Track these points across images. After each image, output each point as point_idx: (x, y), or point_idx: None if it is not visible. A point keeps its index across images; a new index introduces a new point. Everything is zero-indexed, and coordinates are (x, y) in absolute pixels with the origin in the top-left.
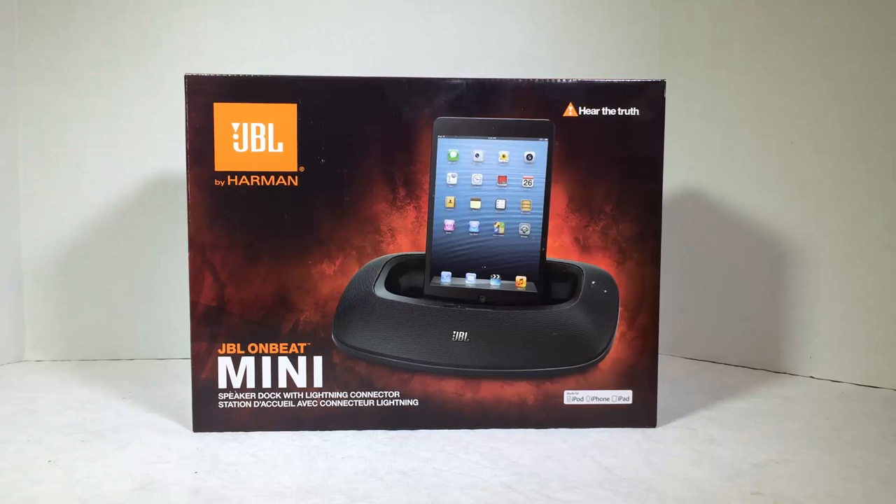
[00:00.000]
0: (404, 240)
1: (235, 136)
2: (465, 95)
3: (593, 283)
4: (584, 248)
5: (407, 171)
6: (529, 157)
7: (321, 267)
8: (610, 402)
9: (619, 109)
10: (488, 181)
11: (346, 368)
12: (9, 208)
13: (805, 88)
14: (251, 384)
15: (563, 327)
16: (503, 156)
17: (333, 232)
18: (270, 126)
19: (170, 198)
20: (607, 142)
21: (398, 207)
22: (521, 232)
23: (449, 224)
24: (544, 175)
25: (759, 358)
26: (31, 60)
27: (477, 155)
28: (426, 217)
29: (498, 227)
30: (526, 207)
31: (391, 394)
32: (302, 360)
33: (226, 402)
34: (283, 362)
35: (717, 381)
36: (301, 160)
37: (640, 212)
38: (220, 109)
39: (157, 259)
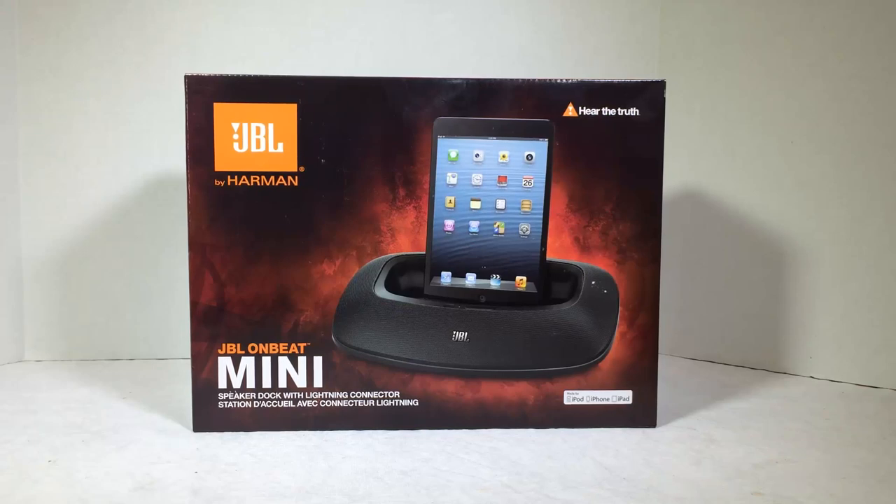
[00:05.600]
0: (404, 240)
1: (235, 136)
2: (465, 95)
3: (593, 283)
4: (584, 248)
5: (407, 171)
6: (529, 157)
7: (321, 267)
8: (610, 402)
9: (619, 109)
10: (488, 181)
11: (346, 368)
12: (9, 208)
13: (805, 88)
14: (251, 384)
15: (563, 327)
16: (503, 156)
17: (333, 232)
18: (270, 126)
19: (170, 198)
20: (607, 142)
21: (398, 207)
22: (521, 232)
23: (449, 224)
24: (544, 175)
25: (759, 358)
26: (31, 60)
27: (477, 155)
28: (426, 217)
29: (498, 227)
30: (526, 207)
31: (391, 394)
32: (302, 360)
33: (226, 402)
34: (283, 362)
35: (717, 381)
36: (301, 160)
37: (640, 212)
38: (220, 109)
39: (157, 259)
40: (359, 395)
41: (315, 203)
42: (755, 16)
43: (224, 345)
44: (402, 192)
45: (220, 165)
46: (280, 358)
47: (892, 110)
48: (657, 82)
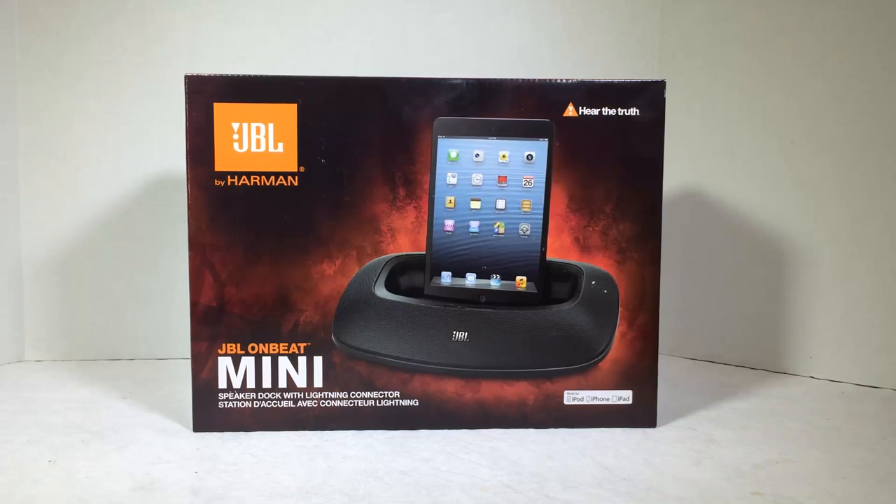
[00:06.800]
0: (404, 240)
1: (235, 136)
2: (465, 95)
3: (593, 283)
4: (584, 248)
5: (407, 171)
6: (529, 157)
7: (321, 267)
8: (610, 402)
9: (619, 109)
10: (488, 181)
11: (346, 368)
12: (9, 208)
13: (805, 88)
14: (251, 384)
15: (563, 327)
16: (503, 156)
17: (333, 232)
18: (270, 126)
19: (170, 198)
20: (607, 142)
21: (398, 207)
22: (521, 232)
23: (449, 224)
24: (544, 175)
25: (759, 358)
26: (31, 60)
27: (477, 155)
28: (426, 217)
29: (498, 227)
30: (526, 207)
31: (391, 394)
32: (302, 360)
33: (226, 402)
34: (283, 362)
35: (717, 381)
36: (301, 160)
37: (640, 212)
38: (220, 109)
39: (157, 259)
40: (359, 395)
41: (315, 203)
42: (755, 16)
43: (224, 345)
44: (402, 192)
45: (220, 165)
46: (280, 358)
47: (892, 110)
48: (657, 82)
